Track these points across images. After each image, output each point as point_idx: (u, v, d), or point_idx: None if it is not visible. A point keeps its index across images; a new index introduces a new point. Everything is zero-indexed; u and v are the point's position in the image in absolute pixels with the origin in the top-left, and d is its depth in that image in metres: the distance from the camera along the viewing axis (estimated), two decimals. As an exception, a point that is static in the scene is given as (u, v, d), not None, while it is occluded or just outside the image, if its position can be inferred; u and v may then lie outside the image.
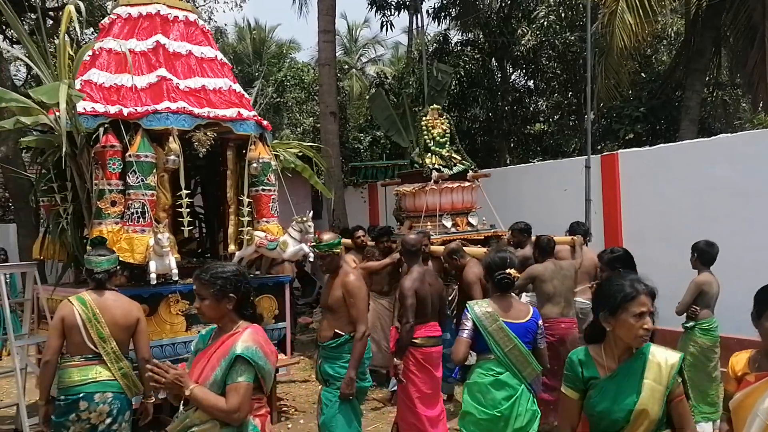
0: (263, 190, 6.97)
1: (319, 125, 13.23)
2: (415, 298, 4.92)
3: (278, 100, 17.52)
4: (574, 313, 5.94)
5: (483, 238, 7.90)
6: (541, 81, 16.67)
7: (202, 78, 6.75)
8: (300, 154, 8.03)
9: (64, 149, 5.55)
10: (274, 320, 7.02)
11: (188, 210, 6.32)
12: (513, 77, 17.58)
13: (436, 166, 7.60)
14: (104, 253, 4.40)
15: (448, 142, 7.82)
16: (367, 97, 13.39)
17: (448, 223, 7.80)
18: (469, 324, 3.77)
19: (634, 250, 6.36)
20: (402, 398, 5.04)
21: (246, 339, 2.84)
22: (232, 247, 6.86)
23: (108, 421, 4.07)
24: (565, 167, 10.10)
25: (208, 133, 6.44)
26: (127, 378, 4.15)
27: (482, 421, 3.71)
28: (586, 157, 8.60)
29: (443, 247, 6.84)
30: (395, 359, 4.96)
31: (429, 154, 8.00)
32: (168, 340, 6.28)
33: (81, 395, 4.00)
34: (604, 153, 9.93)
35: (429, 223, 7.64)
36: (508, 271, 3.84)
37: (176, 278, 6.06)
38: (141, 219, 6.06)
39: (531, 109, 17.23)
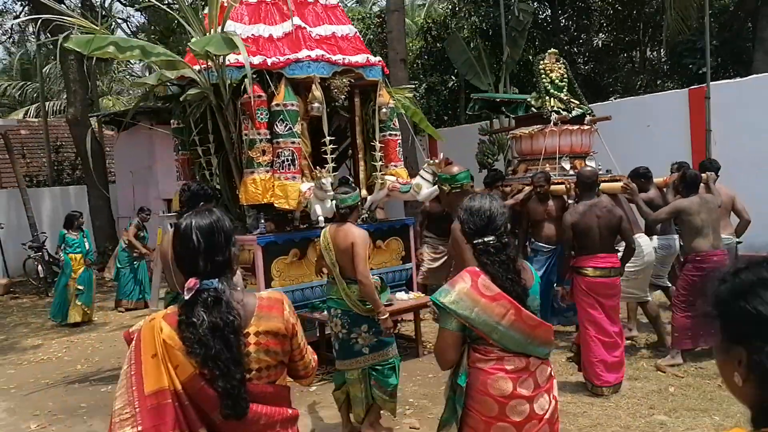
0: (390, 134, 7.12)
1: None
2: (572, 231, 5.15)
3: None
4: (725, 245, 6.04)
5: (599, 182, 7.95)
6: (592, 20, 16.44)
7: (331, 25, 6.84)
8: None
9: (226, 99, 5.69)
10: (401, 261, 7.26)
11: (333, 156, 6.48)
12: (563, 19, 17.36)
13: (556, 108, 7.62)
14: (347, 191, 4.66)
15: (566, 86, 7.84)
16: (446, 41, 13.27)
17: (567, 166, 7.66)
18: None
19: (725, 180, 6.52)
20: (579, 320, 5.32)
21: None
22: (363, 192, 7.03)
23: (344, 331, 4.52)
24: (657, 101, 10.14)
25: (344, 80, 6.56)
26: (350, 298, 4.46)
27: None
28: (694, 88, 8.51)
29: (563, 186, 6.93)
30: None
31: (548, 98, 8.00)
32: (317, 282, 6.52)
33: (328, 308, 4.70)
34: (693, 87, 9.95)
35: (548, 165, 7.62)
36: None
37: (321, 223, 6.27)
38: (291, 166, 6.24)
39: (583, 49, 17.06)
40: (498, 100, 8.46)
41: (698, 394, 4.98)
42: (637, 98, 11.31)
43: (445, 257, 7.49)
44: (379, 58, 7.05)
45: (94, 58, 16.17)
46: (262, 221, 6.29)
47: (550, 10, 16.65)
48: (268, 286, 6.14)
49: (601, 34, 17.03)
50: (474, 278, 2.44)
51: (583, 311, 5.24)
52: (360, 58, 6.76)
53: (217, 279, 1.94)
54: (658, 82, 15.19)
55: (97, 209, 15.01)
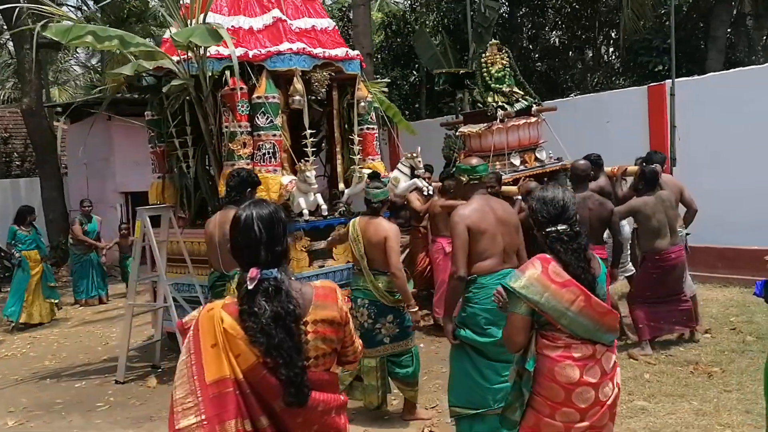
0: (368, 128, 7.16)
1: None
2: None
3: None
4: (680, 240, 6.31)
5: (550, 172, 8.16)
6: (547, 17, 16.77)
7: (310, 18, 6.83)
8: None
9: (206, 90, 5.64)
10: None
11: (314, 150, 6.49)
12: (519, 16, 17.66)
13: (500, 103, 7.73)
14: (379, 186, 4.79)
15: (507, 77, 7.94)
16: (413, 35, 13.33)
17: (517, 161, 7.81)
18: None
19: (682, 177, 6.78)
20: None
21: None
22: (341, 186, 7.07)
23: (369, 321, 4.63)
24: (616, 98, 10.47)
25: (325, 74, 6.57)
26: (378, 290, 4.57)
27: None
28: (653, 84, 8.82)
29: (515, 186, 7.10)
30: None
31: (491, 92, 8.08)
32: (296, 275, 6.52)
33: (354, 298, 4.76)
34: (651, 84, 10.30)
35: (497, 163, 7.74)
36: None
37: (325, 213, 6.28)
38: (272, 159, 6.22)
39: (539, 47, 17.40)
40: (461, 72, 8.51)
41: (673, 381, 5.20)
42: (595, 95, 11.63)
43: (407, 249, 7.60)
44: (357, 52, 7.08)
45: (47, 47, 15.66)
46: (243, 214, 6.24)
47: (508, 7, 16.94)
48: (249, 279, 6.11)
49: (557, 32, 17.41)
50: (545, 264, 2.52)
51: None
52: (339, 52, 6.78)
53: (276, 269, 1.96)
54: (613, 79, 15.64)
55: (51, 202, 14.53)
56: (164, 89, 5.93)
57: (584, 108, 10.81)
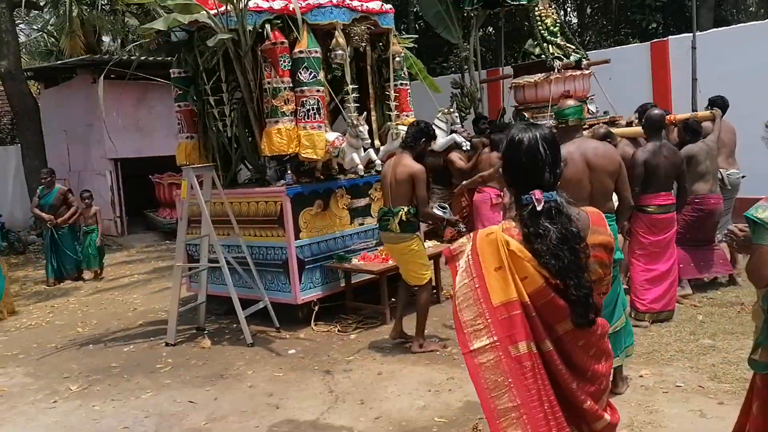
0: (401, 84, 7.11)
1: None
2: (644, 168, 5.36)
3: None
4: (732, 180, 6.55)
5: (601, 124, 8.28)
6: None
7: (345, -31, 6.67)
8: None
9: (247, 46, 5.51)
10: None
11: (357, 105, 6.40)
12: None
13: (556, 55, 7.84)
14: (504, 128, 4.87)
15: (559, 30, 8.05)
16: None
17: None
18: None
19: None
20: (629, 255, 5.61)
21: None
22: (377, 142, 7.01)
23: None
24: (619, 54, 10.59)
25: (363, 27, 6.47)
26: None
27: None
28: (682, 36, 8.92)
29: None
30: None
31: (545, 45, 8.16)
32: (339, 233, 6.52)
33: None
34: (653, 41, 10.45)
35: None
36: None
37: (379, 168, 6.23)
38: (317, 115, 6.12)
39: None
40: None
41: (726, 320, 5.40)
42: (598, 52, 11.73)
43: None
44: (389, 5, 6.97)
45: (23, 6, 14.96)
46: (289, 172, 6.16)
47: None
48: (296, 237, 6.07)
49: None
50: None
51: (637, 244, 5.55)
52: (375, 5, 6.68)
53: (555, 191, 1.96)
54: (605, 38, 15.76)
55: (34, 171, 14.01)
56: (210, 43, 5.74)
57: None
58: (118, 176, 13.75)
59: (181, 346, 5.96)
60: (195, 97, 6.62)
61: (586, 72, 7.97)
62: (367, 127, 6.08)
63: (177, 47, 6.62)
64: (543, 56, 7.87)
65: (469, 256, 1.94)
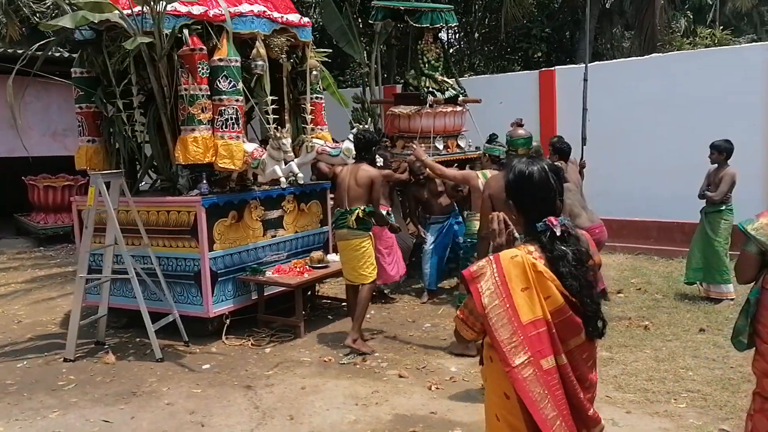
0: (317, 98, 7.13)
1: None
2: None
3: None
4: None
5: (468, 159, 8.73)
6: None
7: (264, -20, 6.62)
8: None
9: (163, 50, 5.34)
10: (320, 224, 7.37)
11: (275, 117, 6.34)
12: None
13: (431, 89, 8.25)
14: (502, 145, 5.36)
15: (440, 66, 8.48)
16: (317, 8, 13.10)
17: (440, 145, 8.43)
18: None
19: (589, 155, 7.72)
20: None
21: None
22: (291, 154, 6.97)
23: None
24: (508, 81, 11.22)
25: (283, 39, 6.45)
26: None
27: None
28: (569, 67, 9.58)
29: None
30: None
31: (423, 78, 8.53)
32: (252, 245, 6.43)
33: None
34: (542, 69, 11.18)
35: (423, 145, 8.19)
36: None
37: (301, 181, 6.18)
38: (236, 125, 6.02)
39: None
40: (402, 9, 8.81)
41: (618, 334, 5.83)
42: (489, 77, 12.35)
43: None
44: (308, 18, 6.99)
45: None
46: (204, 182, 6.01)
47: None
48: (210, 249, 5.93)
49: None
50: None
51: None
52: (294, 18, 6.67)
53: (562, 216, 2.12)
54: (491, 63, 16.58)
55: None
56: (128, 46, 5.48)
57: (479, 88, 11.45)
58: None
59: (81, 361, 5.61)
60: (103, 100, 6.29)
61: (458, 109, 8.45)
62: (290, 139, 6.05)
63: (84, 46, 6.26)
64: (419, 89, 8.27)
65: (497, 278, 2.05)
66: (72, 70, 6.54)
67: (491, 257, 2.11)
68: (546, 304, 2.04)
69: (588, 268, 2.12)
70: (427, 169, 6.96)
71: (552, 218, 2.09)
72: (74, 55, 6.85)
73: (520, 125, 5.61)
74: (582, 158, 7.71)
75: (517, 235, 2.18)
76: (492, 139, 5.84)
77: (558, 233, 2.07)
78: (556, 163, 6.68)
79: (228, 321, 6.12)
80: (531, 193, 2.16)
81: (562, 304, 2.05)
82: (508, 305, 2.03)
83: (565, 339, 2.07)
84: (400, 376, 5.00)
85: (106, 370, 5.39)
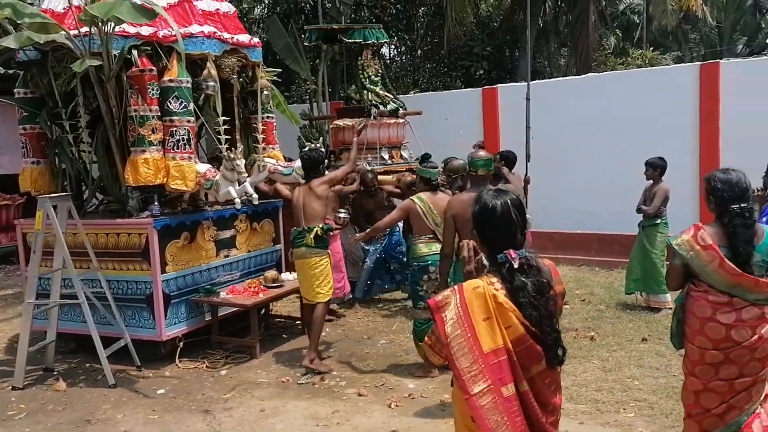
0: (268, 117, 7.16)
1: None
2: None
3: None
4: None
5: (412, 169, 8.96)
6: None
7: (214, 1, 6.63)
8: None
9: (112, 71, 5.29)
10: (272, 243, 7.38)
11: (227, 137, 6.33)
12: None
13: (374, 102, 8.55)
14: (435, 166, 5.47)
15: (380, 81, 8.80)
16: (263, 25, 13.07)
17: (386, 155, 8.75)
18: None
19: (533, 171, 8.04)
20: None
21: None
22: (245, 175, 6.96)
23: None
24: (453, 98, 11.48)
25: (233, 60, 6.46)
26: None
27: None
28: (511, 85, 9.92)
29: (392, 176, 8.07)
30: None
31: (365, 92, 8.84)
32: (205, 266, 6.39)
33: (429, 262, 5.22)
34: (485, 87, 11.49)
35: (369, 155, 8.49)
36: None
37: (256, 202, 6.16)
38: (187, 146, 5.98)
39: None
40: (335, 27, 9.13)
41: (565, 345, 6.08)
42: (435, 93, 12.60)
43: None
44: (257, 39, 7.02)
45: None
46: (156, 203, 5.94)
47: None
48: (162, 271, 5.86)
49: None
50: (696, 231, 3.18)
51: None
52: (245, 38, 6.69)
53: (523, 248, 2.21)
54: (433, 80, 16.87)
55: None
56: (76, 68, 5.39)
57: (424, 105, 11.68)
58: None
59: (30, 389, 5.45)
60: (48, 121, 6.16)
61: (400, 121, 8.78)
62: (243, 160, 6.06)
63: (28, 66, 6.13)
64: (362, 102, 8.57)
65: (459, 308, 2.14)
66: (15, 90, 6.39)
67: (455, 287, 2.21)
68: (507, 333, 2.13)
69: (548, 298, 2.20)
70: (377, 181, 7.15)
71: (511, 251, 2.19)
72: (10, 72, 6.68)
73: (482, 147, 5.88)
74: (527, 174, 7.98)
75: (485, 262, 2.29)
76: (425, 158, 6.01)
77: (516, 266, 2.17)
78: (497, 165, 7.03)
79: (181, 344, 6.05)
80: (493, 226, 2.26)
81: (522, 333, 2.15)
82: (469, 335, 2.11)
83: (527, 366, 2.17)
84: (360, 395, 5.06)
85: (57, 397, 5.26)
